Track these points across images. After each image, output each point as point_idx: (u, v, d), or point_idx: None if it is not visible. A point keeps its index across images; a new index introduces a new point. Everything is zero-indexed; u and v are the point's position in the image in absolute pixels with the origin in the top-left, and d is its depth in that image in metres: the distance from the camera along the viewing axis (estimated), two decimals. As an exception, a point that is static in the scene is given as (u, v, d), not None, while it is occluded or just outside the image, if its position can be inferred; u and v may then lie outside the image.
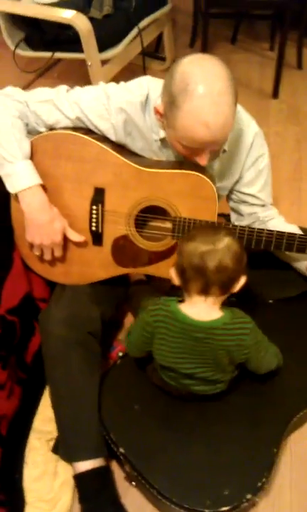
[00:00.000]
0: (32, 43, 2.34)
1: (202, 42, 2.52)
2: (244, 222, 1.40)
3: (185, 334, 1.08)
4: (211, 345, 1.09)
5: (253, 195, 1.36)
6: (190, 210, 1.23)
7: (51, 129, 1.25)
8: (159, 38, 2.74)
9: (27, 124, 1.23)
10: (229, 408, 1.22)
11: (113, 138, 1.25)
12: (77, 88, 1.25)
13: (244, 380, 1.27)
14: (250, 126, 1.28)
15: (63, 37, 2.15)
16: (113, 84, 1.24)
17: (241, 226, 1.23)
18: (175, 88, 1.02)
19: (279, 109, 2.61)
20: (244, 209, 1.38)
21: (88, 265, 1.34)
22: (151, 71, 2.80)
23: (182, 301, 1.11)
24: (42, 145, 1.23)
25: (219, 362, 1.12)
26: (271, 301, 1.46)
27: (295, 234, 1.23)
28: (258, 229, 1.23)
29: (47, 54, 2.25)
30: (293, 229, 1.36)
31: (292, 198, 2.12)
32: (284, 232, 1.22)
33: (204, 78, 1.00)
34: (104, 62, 2.17)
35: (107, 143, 1.24)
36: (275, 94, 2.65)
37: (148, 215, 1.28)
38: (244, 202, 1.37)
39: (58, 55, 2.24)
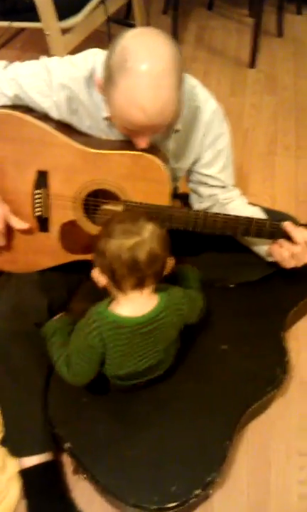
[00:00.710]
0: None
1: (173, 8, 2.37)
2: (204, 204, 1.33)
3: (134, 335, 1.02)
4: (161, 330, 1.04)
5: (212, 177, 1.28)
6: (141, 193, 1.15)
7: None
8: (130, 4, 2.59)
9: None
10: (181, 398, 1.18)
11: (55, 116, 1.16)
12: (16, 63, 1.16)
13: (197, 367, 1.23)
14: (207, 104, 1.19)
15: (21, 5, 2.02)
16: (56, 58, 1.15)
17: (195, 210, 1.16)
18: (113, 63, 0.94)
19: (256, 79, 2.50)
20: (204, 191, 1.31)
21: (35, 252, 1.27)
22: (121, 40, 2.67)
23: (111, 301, 1.04)
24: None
25: (171, 339, 1.09)
26: (232, 285, 1.40)
27: (253, 218, 1.16)
28: (213, 213, 1.16)
29: (5, 23, 2.12)
30: (254, 212, 1.29)
31: (265, 174, 2.04)
32: (240, 216, 1.16)
33: (144, 56, 0.91)
34: (65, 31, 2.04)
35: (50, 122, 1.15)
36: (252, 63, 2.53)
37: (98, 199, 1.21)
38: (204, 183, 1.30)
39: (16, 24, 2.11)
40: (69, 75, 1.11)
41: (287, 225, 1.14)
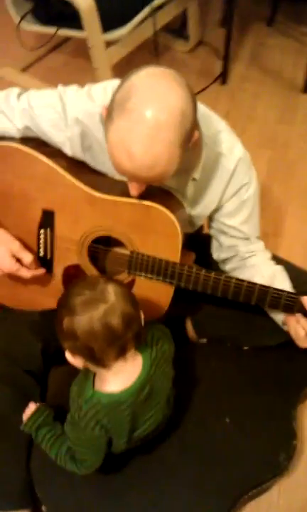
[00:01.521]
0: (40, 17, 2.13)
1: (227, 24, 2.23)
2: (223, 254, 1.21)
3: (135, 405, 0.92)
4: (157, 385, 0.95)
5: (234, 227, 1.16)
6: (150, 245, 1.04)
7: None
8: (185, 14, 2.46)
9: None
10: (171, 472, 1.07)
11: (68, 152, 1.07)
12: (31, 92, 1.06)
13: (194, 440, 1.12)
14: (233, 151, 1.07)
15: (67, 12, 1.94)
16: (73, 89, 1.05)
17: (207, 271, 1.04)
18: (117, 97, 0.84)
19: (308, 106, 2.32)
20: (224, 240, 1.19)
21: (37, 293, 1.18)
22: (172, 52, 2.55)
23: (92, 379, 0.93)
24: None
25: (168, 388, 1.02)
26: (246, 347, 1.27)
27: (268, 288, 1.02)
28: (226, 277, 1.04)
29: (51, 30, 2.04)
30: (276, 272, 1.15)
31: (305, 214, 1.88)
32: (255, 284, 1.02)
33: (149, 101, 0.80)
34: (110, 43, 1.94)
35: (60, 159, 1.06)
36: (306, 88, 2.35)
37: (102, 247, 1.11)
38: (224, 233, 1.18)
39: (63, 32, 2.03)
40: (85, 110, 1.02)
41: (306, 300, 1.01)
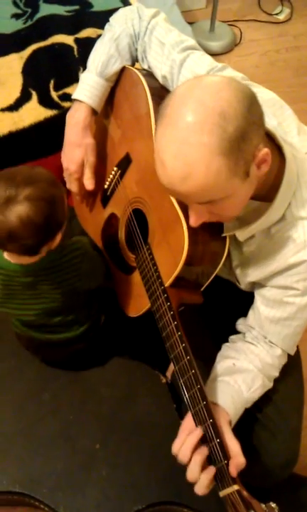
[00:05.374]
0: None
1: None
2: (241, 326, 1.02)
3: (11, 281, 0.96)
4: (43, 286, 0.97)
5: (260, 315, 0.95)
6: (160, 252, 0.94)
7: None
8: None
9: (136, 50, 1.05)
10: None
11: None
12: (198, 53, 0.97)
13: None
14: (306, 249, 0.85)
15: None
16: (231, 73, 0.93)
17: (167, 311, 0.87)
18: (162, 104, 0.75)
19: None
20: (250, 316, 1.00)
21: (90, 215, 1.22)
22: None
23: None
24: (125, 77, 1.06)
25: (61, 300, 1.00)
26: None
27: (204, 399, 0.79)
28: (184, 344, 0.84)
29: None
30: (250, 373, 0.94)
31: None
32: (199, 383, 0.80)
33: (181, 105, 0.70)
34: None
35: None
36: None
37: (134, 222, 1.04)
38: (253, 311, 0.98)
39: None
40: None
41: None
